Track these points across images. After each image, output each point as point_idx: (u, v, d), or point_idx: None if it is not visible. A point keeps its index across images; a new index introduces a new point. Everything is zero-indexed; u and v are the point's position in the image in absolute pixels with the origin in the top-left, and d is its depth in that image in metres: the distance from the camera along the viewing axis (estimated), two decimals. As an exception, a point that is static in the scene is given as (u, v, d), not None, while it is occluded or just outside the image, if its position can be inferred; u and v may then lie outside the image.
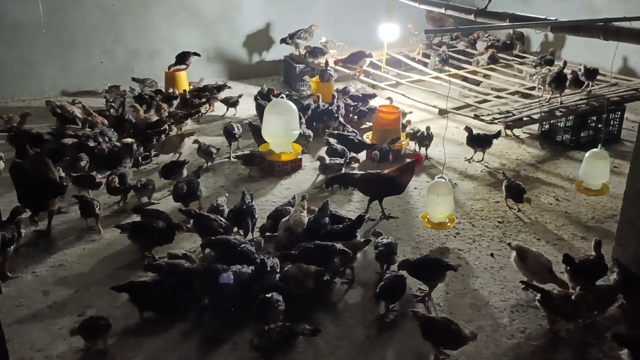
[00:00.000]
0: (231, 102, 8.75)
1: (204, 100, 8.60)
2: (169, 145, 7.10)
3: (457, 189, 6.63)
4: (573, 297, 4.33)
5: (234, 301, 4.39)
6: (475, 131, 7.43)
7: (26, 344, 4.15)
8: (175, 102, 8.46)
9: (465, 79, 9.66)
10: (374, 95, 8.85)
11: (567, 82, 8.18)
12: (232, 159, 7.28)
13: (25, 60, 9.06)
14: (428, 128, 7.37)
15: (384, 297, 4.51)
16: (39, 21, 8.99)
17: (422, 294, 4.76)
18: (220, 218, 5.28)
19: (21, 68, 9.08)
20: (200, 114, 8.49)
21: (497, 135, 7.40)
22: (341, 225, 5.26)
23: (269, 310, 4.16)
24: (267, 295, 4.22)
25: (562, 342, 4.32)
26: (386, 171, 6.09)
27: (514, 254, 4.85)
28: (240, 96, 8.81)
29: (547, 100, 8.22)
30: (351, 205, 6.25)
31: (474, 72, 10.04)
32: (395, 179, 5.91)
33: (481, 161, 7.38)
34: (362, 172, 6.10)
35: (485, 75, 9.91)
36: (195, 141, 7.03)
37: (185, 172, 6.41)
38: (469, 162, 7.35)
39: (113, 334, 4.24)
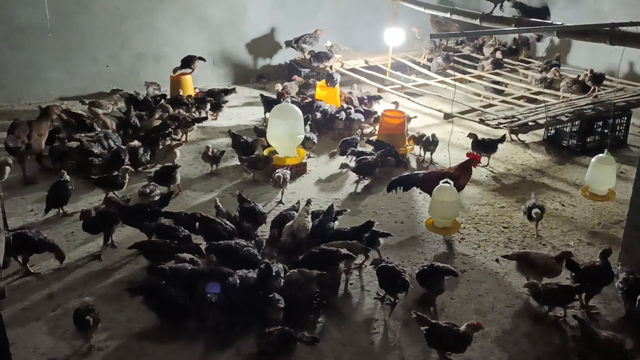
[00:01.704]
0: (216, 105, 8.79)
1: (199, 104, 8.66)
2: (158, 157, 7.03)
3: (462, 194, 6.60)
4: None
5: (239, 305, 4.38)
6: (480, 136, 7.41)
7: (30, 348, 4.15)
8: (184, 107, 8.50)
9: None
10: (379, 97, 8.85)
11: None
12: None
13: (32, 64, 9.11)
14: (433, 135, 7.34)
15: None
16: (45, 25, 9.04)
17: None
18: (226, 222, 5.28)
19: (28, 71, 9.12)
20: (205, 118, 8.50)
21: (502, 139, 7.38)
22: (349, 228, 5.27)
23: (270, 307, 4.22)
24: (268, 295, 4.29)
25: (567, 348, 4.29)
26: (447, 169, 6.06)
27: (514, 263, 4.85)
28: (225, 102, 8.88)
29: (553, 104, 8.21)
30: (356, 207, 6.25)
31: (480, 77, 10.04)
32: (457, 178, 5.87)
33: (486, 166, 7.35)
34: (425, 171, 6.09)
35: (494, 81, 9.87)
36: (207, 146, 7.00)
37: (179, 178, 6.41)
38: (474, 167, 7.30)
39: (116, 337, 4.25)
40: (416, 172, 6.18)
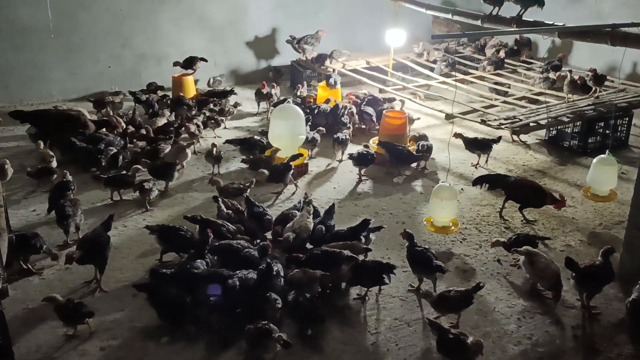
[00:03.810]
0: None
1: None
2: (167, 157, 6.92)
3: (464, 195, 6.62)
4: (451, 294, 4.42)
5: (239, 305, 4.39)
6: (472, 135, 7.41)
7: (32, 347, 4.17)
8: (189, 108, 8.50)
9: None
10: (392, 99, 8.88)
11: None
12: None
13: (34, 64, 9.13)
14: (427, 145, 7.33)
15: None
16: (47, 26, 9.06)
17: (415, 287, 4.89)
18: (228, 223, 5.29)
19: (30, 72, 9.15)
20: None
21: (497, 140, 7.36)
22: (345, 229, 5.29)
23: (267, 306, 4.26)
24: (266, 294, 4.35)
25: (569, 349, 4.30)
26: (543, 186, 6.17)
27: (522, 258, 4.85)
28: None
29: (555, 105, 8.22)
30: (357, 209, 6.27)
31: (481, 78, 10.04)
32: (544, 195, 5.91)
33: (481, 166, 7.35)
34: (517, 177, 6.37)
35: (498, 83, 9.85)
36: (213, 144, 7.00)
37: (176, 175, 6.46)
38: (476, 167, 7.31)
39: (118, 337, 4.26)
40: (508, 175, 6.36)
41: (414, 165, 7.28)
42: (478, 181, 6.32)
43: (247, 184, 6.12)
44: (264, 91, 8.95)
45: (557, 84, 9.25)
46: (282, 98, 8.84)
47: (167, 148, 7.02)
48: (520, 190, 6.05)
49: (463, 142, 7.32)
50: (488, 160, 7.45)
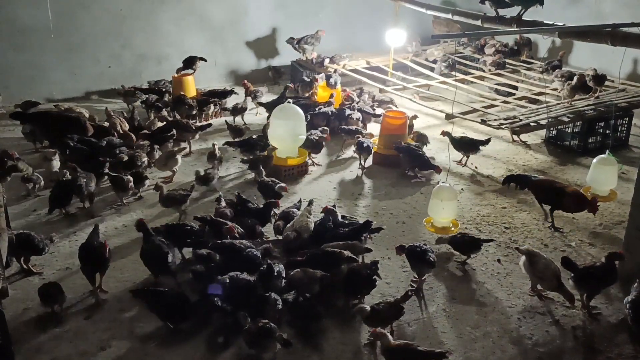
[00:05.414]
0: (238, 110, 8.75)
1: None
2: (158, 164, 6.83)
3: (464, 195, 6.62)
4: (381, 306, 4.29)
5: (238, 305, 4.39)
6: (459, 135, 7.43)
7: (32, 347, 4.17)
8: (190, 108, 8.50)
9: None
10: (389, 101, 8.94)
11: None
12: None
13: (35, 64, 9.13)
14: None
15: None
16: (48, 26, 9.06)
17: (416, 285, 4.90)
18: (235, 224, 5.30)
19: (30, 72, 9.15)
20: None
21: (486, 142, 7.33)
22: (346, 229, 5.28)
23: (267, 307, 4.27)
24: (266, 294, 4.36)
25: (569, 349, 4.30)
26: (564, 185, 6.05)
27: (523, 258, 4.84)
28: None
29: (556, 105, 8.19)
30: (358, 209, 6.27)
31: (481, 78, 10.04)
32: (567, 196, 5.76)
33: (464, 164, 7.36)
34: (542, 177, 6.45)
35: (497, 83, 9.83)
36: (213, 145, 6.99)
37: (147, 183, 6.40)
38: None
39: (118, 337, 4.26)
40: (534, 175, 6.42)
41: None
42: (507, 180, 6.35)
43: (190, 189, 5.99)
44: (250, 88, 9.08)
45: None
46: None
47: (145, 158, 6.76)
48: (543, 189, 6.02)
49: (450, 141, 7.28)
50: (468, 160, 7.40)
